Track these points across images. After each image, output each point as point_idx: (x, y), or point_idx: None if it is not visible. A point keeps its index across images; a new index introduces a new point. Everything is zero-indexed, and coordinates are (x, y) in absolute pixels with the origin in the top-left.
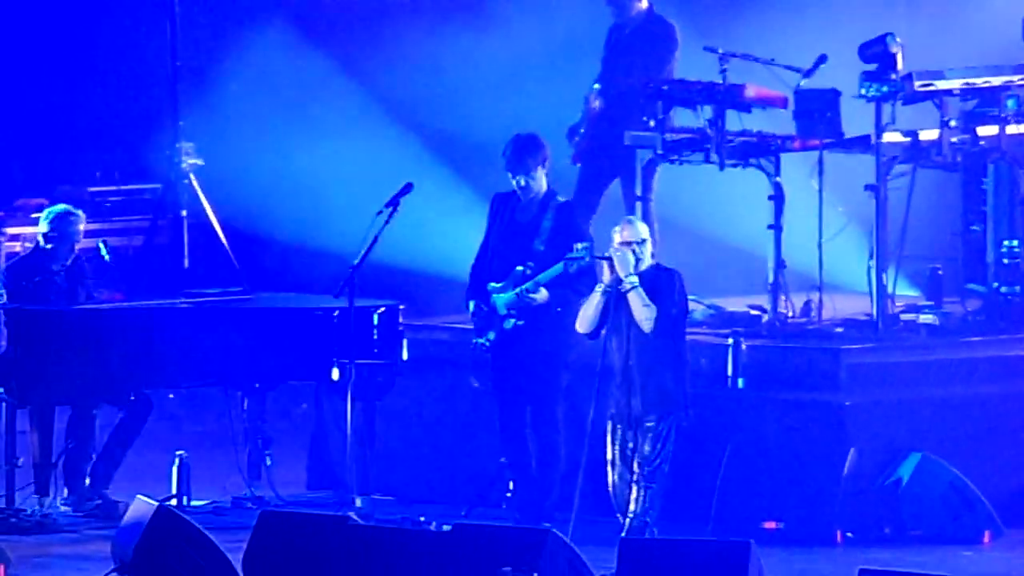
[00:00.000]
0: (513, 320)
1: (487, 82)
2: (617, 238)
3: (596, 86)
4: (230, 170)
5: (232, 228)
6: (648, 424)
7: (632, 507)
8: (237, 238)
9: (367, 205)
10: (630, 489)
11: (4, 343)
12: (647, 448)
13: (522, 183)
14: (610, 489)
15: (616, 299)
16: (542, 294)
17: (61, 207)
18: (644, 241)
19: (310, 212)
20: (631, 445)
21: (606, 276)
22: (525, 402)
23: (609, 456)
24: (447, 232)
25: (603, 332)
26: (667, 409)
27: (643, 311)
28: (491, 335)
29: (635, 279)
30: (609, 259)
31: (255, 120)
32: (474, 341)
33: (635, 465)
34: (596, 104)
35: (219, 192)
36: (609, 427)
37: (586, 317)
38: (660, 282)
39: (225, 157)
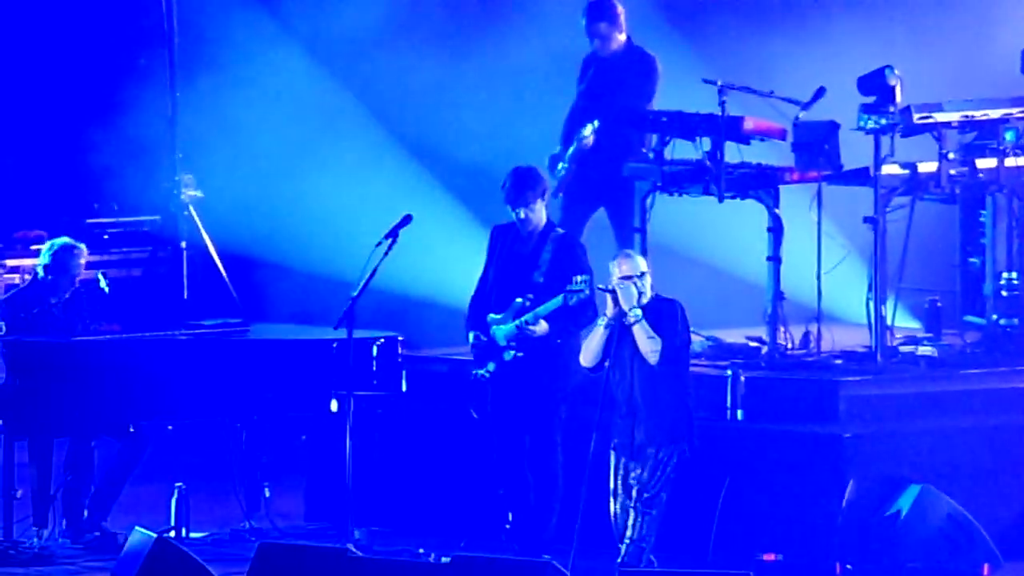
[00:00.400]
0: (513, 352)
1: (492, 109)
2: (616, 272)
3: (595, 123)
4: (230, 200)
5: (232, 258)
6: (649, 452)
7: (629, 532)
8: (237, 269)
9: (369, 234)
10: (619, 518)
11: (3, 375)
12: (646, 475)
13: (521, 215)
14: (612, 519)
15: (619, 332)
16: (541, 326)
17: (63, 240)
18: (644, 274)
19: (313, 241)
20: (634, 475)
21: (609, 309)
22: (524, 433)
23: (612, 486)
24: (449, 262)
25: (606, 364)
26: (671, 439)
27: (648, 344)
28: (491, 366)
29: (639, 312)
30: (613, 292)
31: (256, 150)
32: (474, 373)
33: (634, 492)
34: (590, 141)
35: (219, 222)
36: (612, 458)
37: (590, 350)
38: (662, 313)
39: (225, 187)
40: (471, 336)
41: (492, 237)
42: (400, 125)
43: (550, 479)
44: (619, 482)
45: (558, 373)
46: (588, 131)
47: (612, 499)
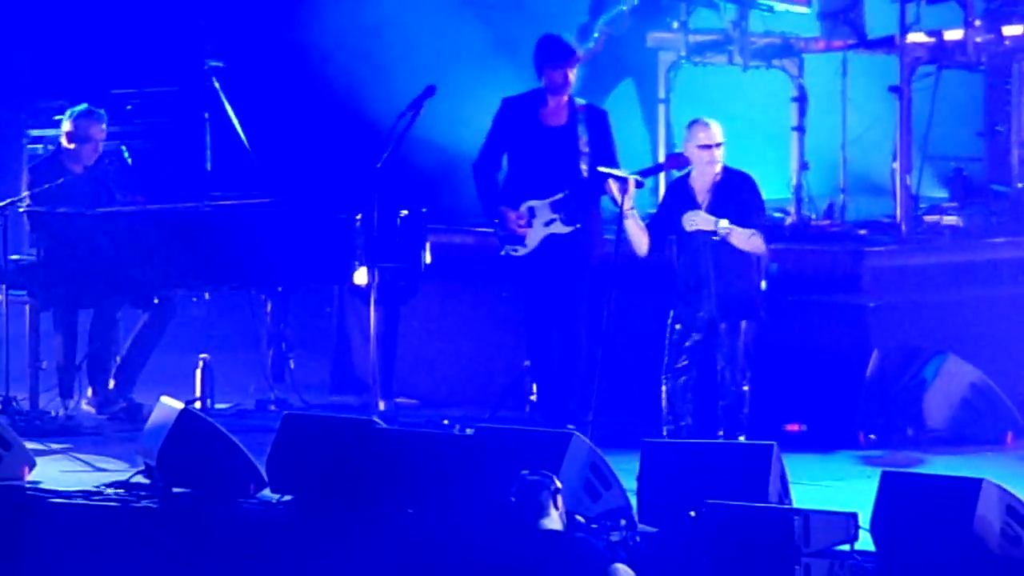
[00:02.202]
0: (569, 226)
1: None
2: (694, 140)
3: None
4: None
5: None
6: (722, 327)
7: (728, 418)
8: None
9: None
10: (685, 391)
11: (26, 246)
12: (737, 350)
13: (568, 78)
14: (665, 397)
15: (687, 204)
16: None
17: (83, 106)
18: (720, 144)
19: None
20: (701, 348)
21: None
22: (559, 306)
23: (673, 362)
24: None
25: (672, 239)
26: (744, 312)
27: (751, 242)
28: (529, 242)
29: (727, 224)
30: (620, 179)
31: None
32: (507, 250)
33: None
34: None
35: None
36: (674, 332)
37: (643, 241)
38: (741, 189)
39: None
40: (511, 212)
41: (504, 109)
42: None
43: (581, 350)
44: (684, 358)
45: (598, 245)
46: (626, 7)
47: (666, 377)
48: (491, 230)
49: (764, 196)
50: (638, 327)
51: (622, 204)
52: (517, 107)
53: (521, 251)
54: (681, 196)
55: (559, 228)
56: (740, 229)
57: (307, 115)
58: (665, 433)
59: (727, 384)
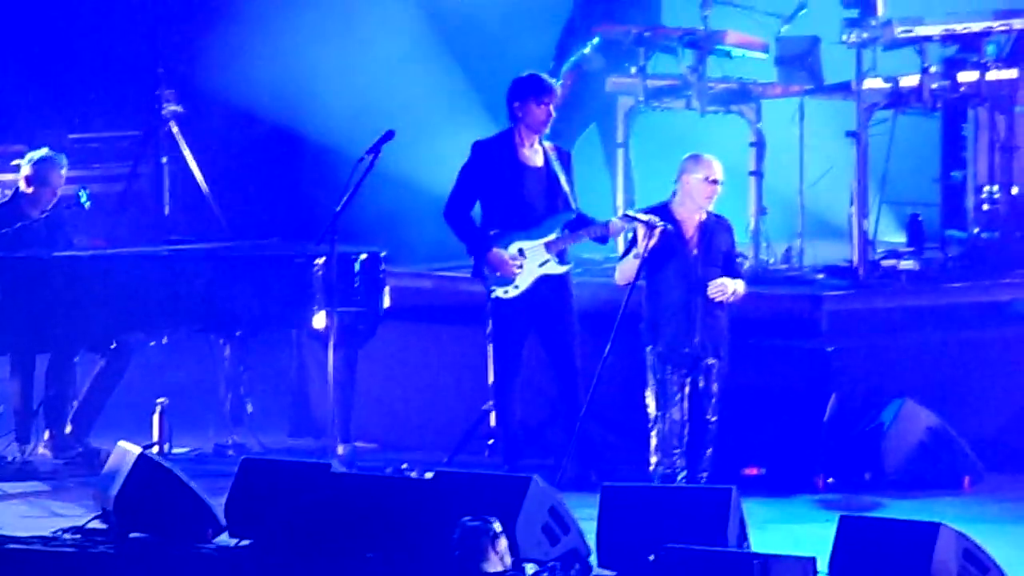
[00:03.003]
0: (565, 266)
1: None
2: (705, 174)
3: (595, 40)
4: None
5: (215, 174)
6: (710, 363)
7: (703, 446)
8: (219, 185)
9: (357, 147)
10: (682, 429)
11: None
12: (715, 387)
13: (551, 113)
14: (658, 439)
15: (675, 240)
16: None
17: (44, 151)
18: (720, 182)
19: (300, 156)
20: (688, 385)
21: (641, 244)
22: (553, 346)
23: (658, 398)
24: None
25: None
26: (726, 349)
27: (742, 288)
28: (520, 283)
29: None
30: (648, 225)
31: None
32: (497, 292)
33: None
34: (594, 61)
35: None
36: (657, 367)
37: (625, 275)
38: (728, 234)
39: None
40: (504, 252)
41: (478, 153)
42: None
43: (578, 390)
44: (667, 391)
45: (571, 285)
46: (588, 49)
47: (659, 417)
48: (457, 273)
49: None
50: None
51: (645, 248)
52: (492, 149)
53: (512, 292)
54: (666, 231)
55: (554, 268)
56: (741, 284)
57: (266, 158)
58: (658, 477)
59: (698, 420)
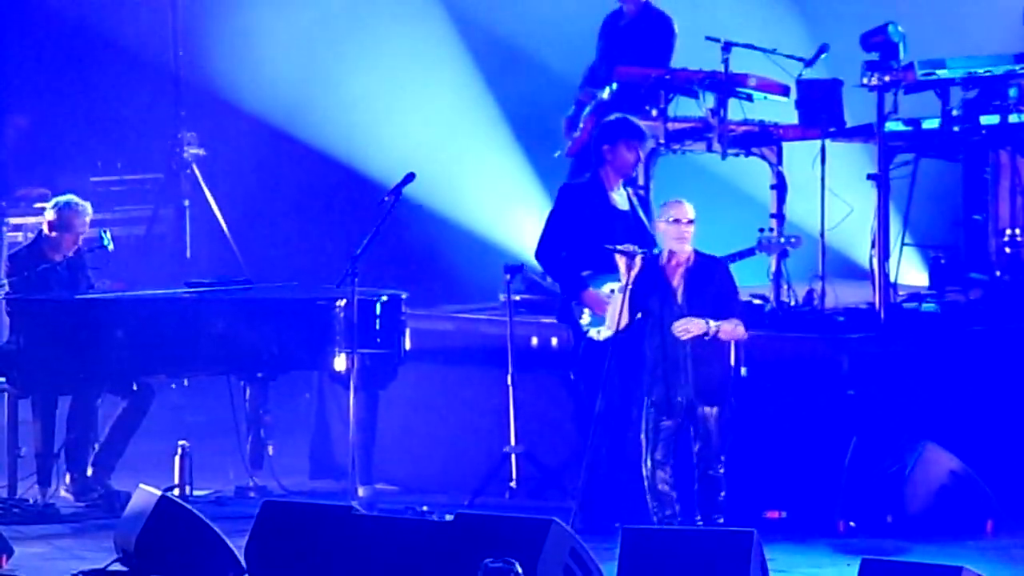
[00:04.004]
0: None
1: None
2: (666, 215)
3: (613, 86)
4: (234, 159)
5: (235, 217)
6: (707, 411)
7: (712, 493)
8: (239, 227)
9: (374, 192)
10: (672, 476)
11: (5, 333)
12: (715, 436)
13: (641, 157)
14: (648, 483)
15: (658, 287)
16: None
17: (67, 197)
18: (692, 222)
19: (315, 199)
20: (691, 433)
21: (623, 274)
22: (635, 389)
23: (655, 449)
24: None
25: (638, 316)
26: (722, 396)
27: (736, 332)
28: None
29: (714, 324)
30: (627, 254)
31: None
32: (591, 332)
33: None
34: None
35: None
36: (652, 417)
37: (617, 318)
38: (714, 275)
39: (228, 146)
40: (600, 292)
41: (568, 197)
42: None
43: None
44: (660, 444)
45: None
46: (606, 93)
47: (647, 465)
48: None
49: (743, 282)
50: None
51: (627, 279)
52: (581, 193)
53: (605, 333)
54: (652, 276)
55: None
56: (725, 324)
57: (288, 201)
58: (655, 522)
59: (703, 468)
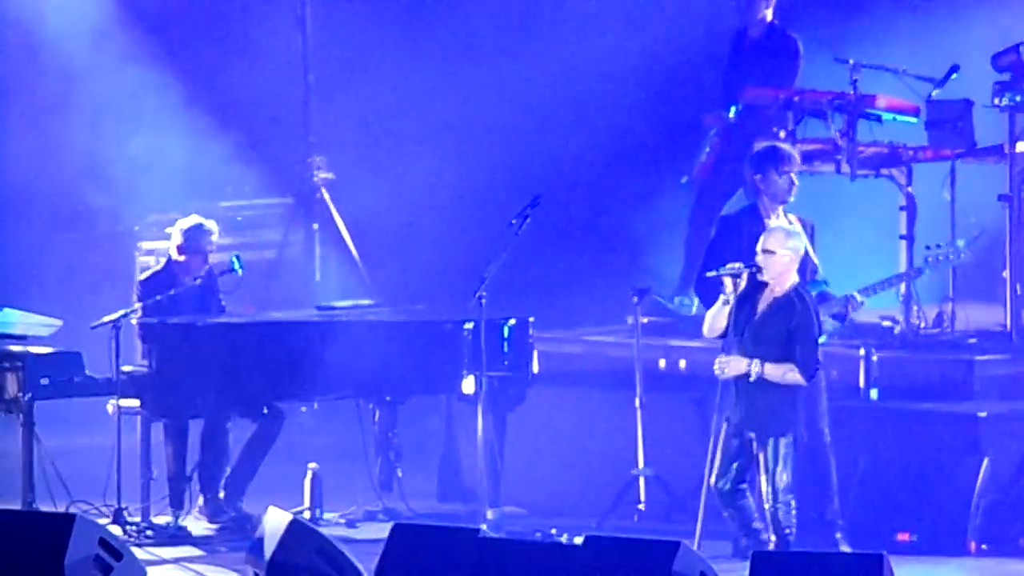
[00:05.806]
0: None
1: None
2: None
3: (738, 106)
4: (362, 182)
5: (365, 240)
6: (751, 437)
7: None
8: (368, 250)
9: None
10: (718, 495)
11: (137, 357)
12: (766, 463)
13: (795, 182)
14: (707, 493)
15: (747, 314)
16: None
17: (193, 220)
18: (769, 252)
19: (443, 223)
20: (746, 457)
21: (729, 287)
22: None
23: (727, 469)
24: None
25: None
26: (776, 430)
27: (784, 380)
28: None
29: (757, 367)
30: (734, 273)
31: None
32: None
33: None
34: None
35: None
36: (717, 430)
37: (716, 328)
38: (791, 315)
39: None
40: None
41: (727, 227)
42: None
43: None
44: (731, 465)
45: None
46: (732, 114)
47: (718, 487)
48: (606, 337)
49: (874, 304)
50: None
51: (733, 293)
52: (739, 223)
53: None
54: (752, 296)
55: None
56: (772, 368)
57: (417, 224)
58: (733, 548)
59: (767, 496)
